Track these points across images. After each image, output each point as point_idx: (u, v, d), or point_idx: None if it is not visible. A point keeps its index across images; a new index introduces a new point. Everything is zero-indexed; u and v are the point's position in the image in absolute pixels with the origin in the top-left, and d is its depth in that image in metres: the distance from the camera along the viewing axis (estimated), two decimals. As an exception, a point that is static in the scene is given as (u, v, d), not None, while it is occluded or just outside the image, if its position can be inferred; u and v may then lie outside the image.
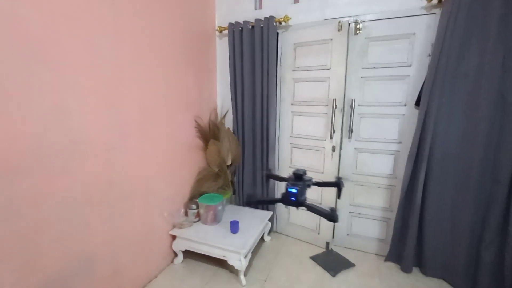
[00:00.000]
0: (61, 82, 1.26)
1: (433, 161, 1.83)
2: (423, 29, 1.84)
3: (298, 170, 1.29)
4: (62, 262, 1.33)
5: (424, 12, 1.82)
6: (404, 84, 1.96)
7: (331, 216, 1.18)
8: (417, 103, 1.88)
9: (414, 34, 1.87)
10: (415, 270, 2.07)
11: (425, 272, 2.01)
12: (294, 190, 1.21)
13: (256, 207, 2.48)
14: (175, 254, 2.15)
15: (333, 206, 2.23)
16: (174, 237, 2.10)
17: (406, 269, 2.04)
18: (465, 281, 1.83)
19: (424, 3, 1.79)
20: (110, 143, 1.53)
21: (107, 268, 1.59)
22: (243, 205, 2.55)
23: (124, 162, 1.64)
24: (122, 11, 1.54)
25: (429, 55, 1.80)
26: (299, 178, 1.26)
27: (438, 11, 1.76)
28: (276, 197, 1.35)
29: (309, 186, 1.25)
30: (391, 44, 1.95)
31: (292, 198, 1.21)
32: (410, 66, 1.92)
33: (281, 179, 1.51)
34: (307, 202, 1.24)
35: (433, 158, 1.83)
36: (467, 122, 1.72)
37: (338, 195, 1.70)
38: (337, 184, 1.37)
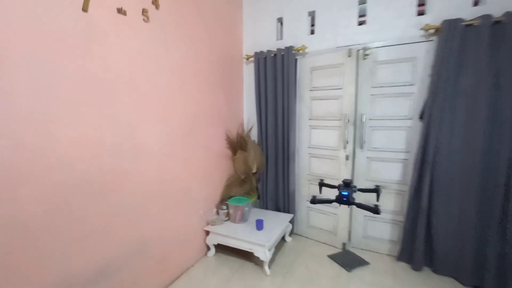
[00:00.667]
0: (131, 104, 1.71)
1: (439, 167, 2.05)
2: (423, 54, 2.12)
3: (346, 179, 1.70)
4: (129, 242, 1.74)
5: (423, 39, 2.11)
6: (409, 100, 2.23)
7: (376, 210, 1.70)
8: (421, 117, 2.13)
9: (415, 57, 2.16)
10: (426, 269, 2.23)
11: (436, 270, 2.17)
12: (346, 193, 1.66)
13: (286, 210, 2.78)
14: (208, 248, 2.50)
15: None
16: (207, 233, 2.46)
17: (416, 268, 2.21)
18: (473, 279, 1.99)
19: (423, 32, 2.08)
20: (162, 150, 1.96)
21: (158, 252, 1.97)
22: (266, 208, 2.87)
23: (171, 166, 2.05)
24: (174, 51, 2.00)
25: (429, 76, 2.07)
26: (347, 185, 1.68)
27: (435, 38, 2.04)
28: (331, 198, 1.76)
29: (354, 191, 1.63)
30: (396, 66, 2.25)
31: (344, 199, 1.63)
32: (413, 85, 2.19)
33: (332, 186, 1.89)
34: (355, 201, 1.62)
35: (438, 165, 2.05)
36: (467, 132, 1.94)
37: (377, 199, 2.02)
38: (376, 190, 1.87)
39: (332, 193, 2.14)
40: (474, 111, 1.89)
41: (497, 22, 1.82)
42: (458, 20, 1.90)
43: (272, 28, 2.78)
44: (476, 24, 1.86)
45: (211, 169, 2.53)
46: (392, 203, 2.41)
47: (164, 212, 2.01)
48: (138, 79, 1.74)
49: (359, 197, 2.32)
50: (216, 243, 2.44)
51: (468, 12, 1.94)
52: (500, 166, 1.83)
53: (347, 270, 2.27)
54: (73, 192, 1.42)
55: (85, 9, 1.41)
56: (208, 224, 2.47)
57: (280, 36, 2.77)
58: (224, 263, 2.39)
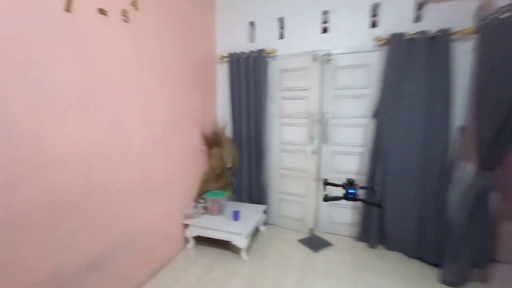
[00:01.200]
0: (117, 105, 1.77)
1: (388, 159, 2.42)
2: (376, 61, 2.47)
3: (349, 179, 1.95)
4: (116, 235, 1.80)
5: (375, 49, 2.46)
6: (365, 101, 2.58)
7: (379, 205, 2.10)
8: (374, 115, 2.49)
9: (369, 64, 2.51)
10: (380, 246, 2.62)
11: (387, 247, 2.57)
12: (353, 191, 1.85)
13: (260, 202, 3.00)
14: (187, 241, 2.61)
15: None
16: (187, 226, 2.57)
17: (372, 246, 2.59)
18: (416, 252, 2.40)
19: (375, 42, 2.43)
20: (144, 148, 2.03)
21: (143, 244, 2.05)
22: (241, 201, 3.06)
23: (153, 163, 2.13)
24: (153, 52, 2.07)
25: (380, 80, 2.42)
26: (351, 183, 1.88)
27: (385, 48, 2.40)
28: (339, 195, 1.95)
29: (357, 188, 1.86)
30: (353, 71, 2.58)
31: (351, 196, 1.83)
32: (368, 88, 2.54)
33: (336, 185, 2.09)
34: (359, 197, 1.85)
35: (388, 157, 2.42)
36: (409, 129, 2.33)
37: (374, 195, 2.43)
38: (372, 188, 2.37)
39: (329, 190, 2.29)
40: (414, 111, 2.28)
41: (433, 37, 2.21)
42: (402, 34, 2.27)
43: (245, 31, 2.95)
44: (416, 38, 2.24)
45: (188, 165, 2.63)
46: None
47: (148, 207, 2.08)
48: (120, 79, 1.79)
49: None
50: (195, 235, 2.57)
51: (410, 28, 2.32)
52: (435, 156, 2.25)
53: (314, 251, 2.56)
54: (64, 190, 1.46)
55: (68, 9, 1.44)
56: (187, 217, 2.57)
57: (252, 38, 2.96)
58: (204, 253, 2.52)
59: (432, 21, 2.27)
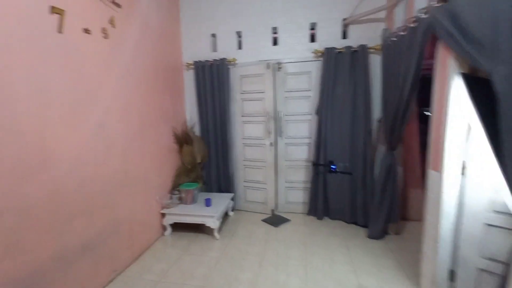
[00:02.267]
0: (102, 108, 2.07)
1: (327, 147, 3.06)
2: (315, 69, 3.10)
3: (330, 160, 2.69)
4: (105, 222, 2.09)
5: (315, 59, 3.08)
6: (308, 101, 3.19)
7: (349, 173, 2.71)
8: (316, 113, 3.11)
9: (310, 71, 3.12)
10: (326, 218, 3.25)
11: (331, 217, 3.21)
12: (334, 166, 2.57)
13: (227, 191, 3.44)
14: (165, 228, 2.94)
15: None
16: (163, 215, 2.90)
17: (319, 218, 3.21)
18: (351, 218, 3.07)
19: (314, 54, 3.05)
20: (124, 145, 2.34)
21: (127, 231, 2.35)
22: (211, 191, 3.47)
23: (132, 159, 2.44)
24: (129, 62, 2.39)
25: (319, 85, 3.04)
26: (331, 162, 2.52)
27: (322, 59, 3.03)
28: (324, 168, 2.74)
29: (334, 165, 2.52)
30: (299, 77, 3.17)
31: (333, 168, 2.60)
32: (310, 90, 3.16)
33: (321, 164, 2.73)
34: (337, 170, 2.44)
35: (327, 145, 3.06)
36: (340, 123, 2.98)
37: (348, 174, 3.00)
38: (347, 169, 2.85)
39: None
40: (343, 108, 2.94)
41: (355, 50, 2.89)
42: (333, 48, 2.92)
43: (208, 42, 3.37)
44: (343, 51, 2.90)
45: (162, 161, 2.97)
46: (303, 175, 3.36)
47: (129, 198, 2.39)
48: (104, 86, 2.09)
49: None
50: (172, 223, 2.91)
51: (339, 43, 2.98)
52: (359, 141, 2.93)
53: (274, 226, 3.09)
54: (61, 181, 1.74)
55: (60, 31, 1.73)
56: (163, 207, 2.91)
57: (214, 48, 3.39)
58: (180, 237, 2.88)
59: (355, 38, 2.96)
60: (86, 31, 1.94)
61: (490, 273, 1.60)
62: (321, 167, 2.90)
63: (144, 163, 2.62)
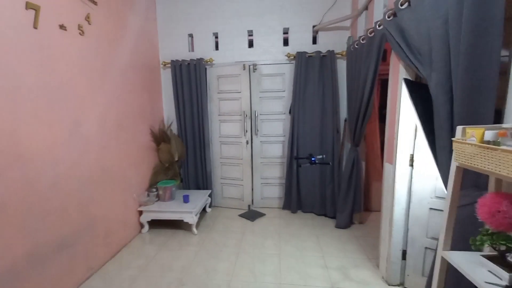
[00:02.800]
0: (78, 105, 2.07)
1: (300, 144, 3.27)
2: (288, 71, 3.30)
3: (310, 153, 2.81)
4: (80, 220, 2.09)
5: (288, 62, 3.28)
6: (282, 101, 3.38)
7: (328, 163, 2.92)
8: (290, 112, 3.31)
9: (284, 73, 3.32)
10: (299, 211, 3.47)
11: (303, 210, 3.43)
12: (313, 158, 2.71)
13: (205, 188, 3.52)
14: (142, 226, 2.96)
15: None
16: (141, 212, 2.92)
17: (293, 211, 3.41)
18: (321, 210, 3.31)
19: (287, 57, 3.24)
20: (101, 143, 2.34)
21: (103, 229, 2.36)
22: (189, 189, 3.53)
23: (109, 156, 2.45)
24: (105, 59, 2.40)
25: (292, 86, 3.25)
26: (311, 155, 2.72)
27: (294, 62, 3.23)
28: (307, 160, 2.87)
29: (314, 157, 2.72)
30: (273, 78, 3.36)
31: (313, 160, 2.71)
32: (284, 91, 3.36)
33: (302, 158, 2.92)
34: (317, 161, 2.66)
35: (300, 143, 3.27)
36: (311, 121, 3.21)
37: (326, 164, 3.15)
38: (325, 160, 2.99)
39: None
40: (313, 108, 3.17)
41: (324, 55, 3.13)
42: (304, 53, 3.13)
43: (185, 42, 3.43)
44: (313, 56, 3.13)
45: (140, 159, 2.98)
46: (278, 172, 3.55)
47: (106, 195, 2.39)
48: (79, 83, 2.10)
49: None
50: (149, 220, 2.94)
51: (309, 48, 3.20)
52: (328, 138, 3.18)
53: (251, 221, 3.24)
54: (35, 178, 1.73)
55: (36, 26, 1.73)
56: (141, 205, 2.93)
57: (191, 48, 3.46)
58: (158, 234, 2.92)
59: (324, 44, 3.21)
60: (62, 27, 1.94)
61: (433, 250, 1.87)
62: (303, 160, 3.15)
63: (121, 161, 2.63)
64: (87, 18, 2.19)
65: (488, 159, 0.78)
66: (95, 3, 2.28)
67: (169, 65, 3.39)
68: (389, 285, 2.05)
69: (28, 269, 1.68)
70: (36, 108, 1.75)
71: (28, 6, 1.68)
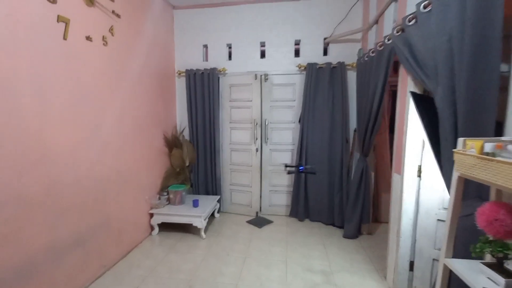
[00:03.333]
0: (99, 110, 2.21)
1: (308, 153, 3.31)
2: (299, 81, 3.38)
3: (299, 163, 2.92)
4: (95, 217, 2.20)
5: (298, 73, 3.37)
6: (292, 110, 3.46)
7: (314, 172, 3.04)
8: (299, 121, 3.37)
9: (295, 83, 3.40)
10: (306, 220, 3.48)
11: (311, 219, 3.44)
12: (302, 167, 2.83)
13: (214, 193, 3.60)
14: (152, 228, 3.05)
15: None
16: (152, 215, 3.02)
17: (300, 219, 3.43)
18: (328, 219, 3.32)
19: (297, 68, 3.33)
20: (118, 145, 2.47)
21: (116, 228, 2.46)
22: (199, 193, 3.62)
23: (125, 158, 2.57)
24: (125, 68, 2.56)
25: (302, 96, 3.32)
26: (299, 164, 2.86)
27: (305, 72, 3.31)
28: (295, 169, 3.08)
29: (302, 167, 2.79)
30: (284, 88, 3.44)
31: (300, 169, 2.85)
32: (294, 101, 3.43)
33: (293, 166, 3.09)
34: (305, 170, 2.75)
35: (308, 151, 3.31)
36: (321, 130, 3.26)
37: (309, 170, 3.24)
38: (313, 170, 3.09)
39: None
40: (323, 118, 3.23)
41: (334, 67, 3.20)
42: (315, 64, 3.21)
43: (199, 52, 3.59)
44: (323, 67, 3.21)
45: (153, 163, 3.10)
46: (286, 179, 3.59)
47: (120, 196, 2.51)
48: (101, 90, 2.24)
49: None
50: (160, 222, 3.03)
51: (320, 59, 3.29)
52: (337, 148, 3.21)
53: (258, 227, 3.28)
54: (57, 176, 1.85)
55: (65, 37, 1.89)
56: (152, 207, 3.02)
57: (205, 58, 3.61)
58: (167, 237, 3.00)
59: (334, 56, 3.28)
60: (88, 38, 2.10)
61: (441, 262, 1.86)
62: (292, 168, 3.24)
63: (135, 163, 2.75)
64: (111, 30, 2.36)
65: (486, 170, 0.82)
66: (119, 16, 2.45)
67: (184, 73, 3.54)
68: (395, 296, 2.03)
69: (45, 262, 1.78)
70: (62, 111, 1.88)
71: (60, 19, 1.85)
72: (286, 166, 3.27)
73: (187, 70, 3.50)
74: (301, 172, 2.89)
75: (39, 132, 1.72)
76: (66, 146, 1.92)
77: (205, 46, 3.60)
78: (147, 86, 2.95)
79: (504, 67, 1.13)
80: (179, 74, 3.60)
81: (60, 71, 1.86)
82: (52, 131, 1.81)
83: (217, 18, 3.49)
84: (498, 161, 0.76)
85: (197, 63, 3.57)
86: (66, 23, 1.90)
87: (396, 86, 2.16)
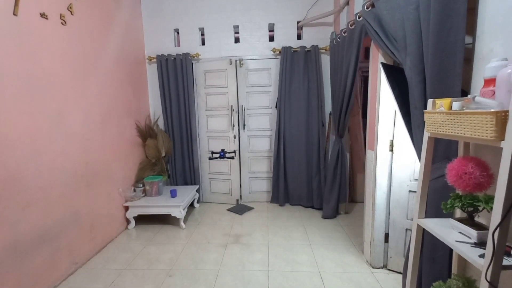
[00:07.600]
0: (60, 96, 2.03)
1: (286, 138, 3.33)
2: (274, 66, 3.36)
3: (222, 149, 2.78)
4: (63, 212, 2.05)
5: (274, 57, 3.34)
6: (269, 95, 3.44)
7: (233, 158, 2.89)
8: (276, 106, 3.36)
9: (270, 68, 3.37)
10: (287, 204, 3.51)
11: (291, 203, 3.48)
12: (222, 153, 2.74)
13: (193, 183, 3.51)
14: (128, 222, 2.91)
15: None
16: (127, 208, 2.88)
17: (281, 204, 3.46)
18: (308, 202, 3.37)
19: (272, 52, 3.30)
20: (85, 135, 2.31)
21: (87, 223, 2.31)
22: (176, 184, 3.51)
23: (93, 149, 2.41)
24: (88, 52, 2.37)
25: (278, 80, 3.31)
26: (223, 151, 2.73)
27: (279, 57, 3.29)
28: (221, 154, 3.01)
29: (225, 152, 2.67)
30: (260, 73, 3.40)
31: (221, 154, 2.73)
32: (271, 86, 3.41)
33: (216, 153, 2.99)
34: (226, 155, 2.65)
35: (286, 136, 3.33)
36: (297, 114, 3.28)
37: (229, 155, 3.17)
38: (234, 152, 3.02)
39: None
40: (299, 102, 3.24)
41: (308, 50, 3.21)
42: (290, 48, 3.20)
43: (170, 37, 3.43)
44: (298, 51, 3.20)
45: (125, 154, 2.94)
46: (265, 166, 3.58)
47: (90, 189, 2.35)
48: (62, 74, 2.06)
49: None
50: (136, 215, 2.90)
51: (295, 43, 3.28)
52: (313, 132, 3.26)
53: (239, 215, 3.26)
54: (15, 168, 1.68)
55: (15, 13, 1.70)
56: (127, 200, 2.88)
57: (177, 43, 3.46)
58: (145, 229, 2.88)
59: (308, 40, 3.29)
60: (43, 15, 1.91)
61: (413, 230, 1.96)
62: (215, 153, 3.20)
63: (106, 155, 2.59)
64: (70, 8, 2.16)
65: (455, 124, 0.84)
66: (78, -6, 2.25)
67: (155, 60, 3.37)
68: (373, 268, 2.12)
69: (7, 261, 1.63)
70: (17, 96, 1.70)
71: (7, -8, 1.65)
72: (212, 153, 3.22)
73: (158, 56, 3.33)
74: (222, 157, 2.99)
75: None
76: (24, 135, 1.75)
77: (176, 31, 3.45)
78: (115, 72, 2.77)
79: (468, 39, 1.17)
80: (150, 60, 3.42)
81: (11, 50, 1.67)
82: (6, 118, 1.63)
83: (187, 2, 3.34)
84: (467, 113, 0.79)
85: (169, 49, 3.41)
86: (15, -3, 1.70)
87: (367, 71, 2.21)
